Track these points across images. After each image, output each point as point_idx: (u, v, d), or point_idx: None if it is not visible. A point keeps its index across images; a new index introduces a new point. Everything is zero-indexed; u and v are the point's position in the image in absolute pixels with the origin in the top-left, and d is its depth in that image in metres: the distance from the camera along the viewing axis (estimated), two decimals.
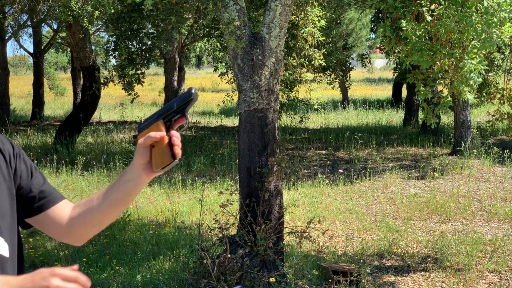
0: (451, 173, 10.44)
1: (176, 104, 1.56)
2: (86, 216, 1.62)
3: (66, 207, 1.66)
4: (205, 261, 4.84)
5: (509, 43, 9.72)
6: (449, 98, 5.95)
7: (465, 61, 5.19)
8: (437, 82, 6.58)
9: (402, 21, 5.39)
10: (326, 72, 20.65)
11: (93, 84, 13.17)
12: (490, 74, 12.72)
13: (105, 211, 1.61)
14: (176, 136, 1.52)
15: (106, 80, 10.74)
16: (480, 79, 5.29)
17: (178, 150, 1.52)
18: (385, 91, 30.03)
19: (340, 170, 10.27)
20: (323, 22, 8.21)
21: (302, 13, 7.55)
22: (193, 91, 1.56)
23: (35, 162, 10.84)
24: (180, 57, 18.69)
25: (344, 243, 6.58)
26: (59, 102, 27.21)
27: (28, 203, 1.60)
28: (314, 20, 7.82)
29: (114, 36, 10.53)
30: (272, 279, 4.83)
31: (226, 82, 15.23)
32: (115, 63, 10.60)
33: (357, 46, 23.71)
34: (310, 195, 8.83)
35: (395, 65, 20.74)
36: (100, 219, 1.63)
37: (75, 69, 21.21)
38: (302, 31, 7.70)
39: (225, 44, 6.31)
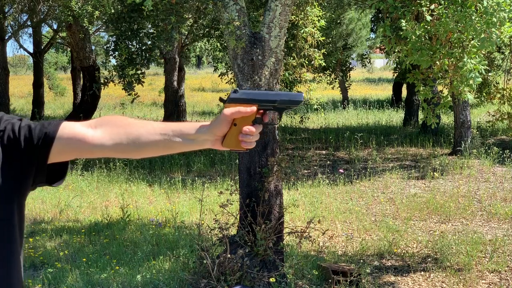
0: (451, 173, 10.43)
1: (280, 101, 1.51)
2: (129, 140, 1.47)
3: (74, 123, 1.50)
4: (205, 261, 4.84)
5: (509, 43, 9.72)
6: (449, 98, 5.95)
7: (465, 61, 5.19)
8: (437, 82, 6.58)
9: (402, 21, 5.39)
10: (326, 72, 20.66)
11: (93, 84, 13.18)
12: (490, 74, 12.72)
13: (149, 149, 1.50)
14: (258, 129, 1.48)
15: (106, 80, 10.74)
16: (480, 79, 5.29)
17: (253, 143, 1.49)
18: (385, 91, 30.02)
19: (340, 170, 10.27)
20: (323, 22, 8.21)
21: (302, 13, 7.54)
22: (302, 97, 1.52)
23: None
24: (180, 57, 18.68)
25: (344, 243, 6.58)
26: (59, 102, 27.21)
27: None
28: (314, 20, 7.82)
29: (114, 36, 10.54)
30: (272, 279, 4.83)
31: (226, 82, 15.23)
32: (115, 63, 10.60)
33: (357, 46, 23.68)
34: (310, 195, 8.83)
35: (395, 65, 20.73)
36: (139, 151, 1.50)
37: (75, 69, 21.21)
38: (302, 31, 7.70)
39: (225, 44, 6.32)
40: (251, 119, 1.49)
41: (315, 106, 10.70)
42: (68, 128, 1.46)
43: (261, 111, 1.51)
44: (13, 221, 1.45)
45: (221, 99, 1.54)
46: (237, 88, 1.54)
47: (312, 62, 8.25)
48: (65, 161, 1.50)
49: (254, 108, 1.47)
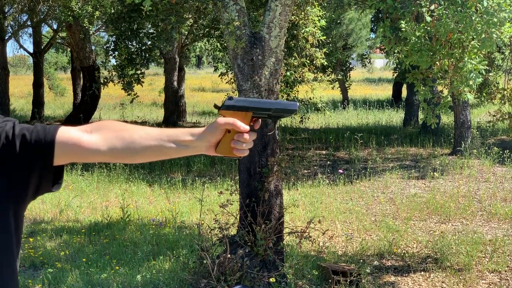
0: (451, 173, 10.44)
1: (274, 109, 1.53)
2: (124, 144, 1.47)
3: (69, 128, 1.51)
4: (205, 261, 4.84)
5: (509, 43, 9.72)
6: (449, 98, 5.94)
7: (465, 61, 5.19)
8: (436, 82, 6.58)
9: (402, 21, 5.39)
10: (326, 71, 20.66)
11: (93, 84, 13.18)
12: (490, 74, 12.72)
13: (144, 155, 1.50)
14: (251, 137, 1.50)
15: (106, 80, 10.75)
16: (480, 79, 5.29)
17: (246, 150, 1.51)
18: (385, 91, 30.02)
19: (340, 170, 10.27)
20: (323, 22, 8.22)
21: (302, 13, 7.54)
22: (297, 107, 1.55)
23: None
24: (180, 57, 18.69)
25: (344, 243, 6.58)
26: (59, 102, 27.20)
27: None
28: (314, 20, 7.82)
29: (114, 36, 10.54)
30: (272, 279, 4.84)
31: (226, 82, 15.22)
32: (115, 63, 10.61)
33: (357, 46, 23.67)
34: (310, 195, 8.83)
35: (395, 65, 20.74)
36: (134, 156, 1.51)
37: (75, 69, 21.21)
38: (303, 31, 7.70)
39: (225, 44, 6.32)
40: (248, 130, 1.51)
41: (319, 105, 10.69)
42: (64, 133, 1.46)
43: (254, 118, 1.53)
44: (9, 230, 1.43)
45: (215, 106, 1.56)
46: (232, 96, 1.55)
47: (314, 61, 8.26)
48: (61, 165, 1.50)
49: (247, 128, 1.49)
